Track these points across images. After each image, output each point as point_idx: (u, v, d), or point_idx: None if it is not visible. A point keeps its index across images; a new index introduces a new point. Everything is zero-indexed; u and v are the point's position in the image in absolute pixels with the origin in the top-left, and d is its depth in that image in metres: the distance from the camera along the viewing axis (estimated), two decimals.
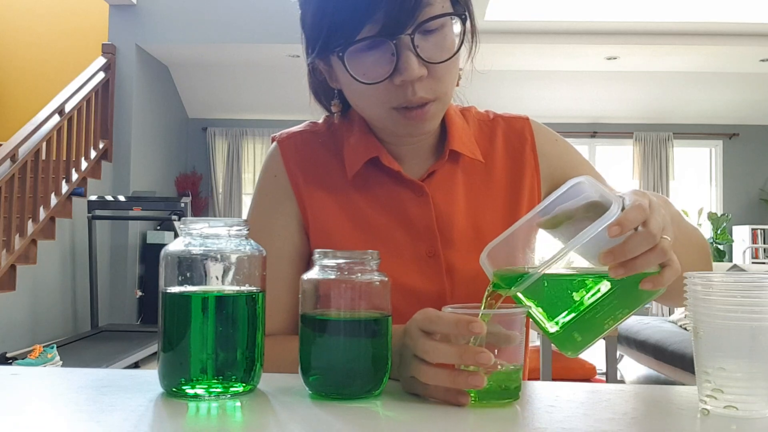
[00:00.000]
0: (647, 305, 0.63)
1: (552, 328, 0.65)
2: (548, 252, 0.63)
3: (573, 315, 0.64)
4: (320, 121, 0.96)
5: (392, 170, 0.87)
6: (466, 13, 0.80)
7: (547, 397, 0.67)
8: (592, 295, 0.64)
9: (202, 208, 7.46)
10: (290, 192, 0.90)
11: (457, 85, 0.86)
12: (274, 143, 0.94)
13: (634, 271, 0.61)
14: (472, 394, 0.60)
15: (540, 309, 0.65)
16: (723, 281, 0.58)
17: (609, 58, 6.42)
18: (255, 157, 7.72)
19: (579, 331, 0.65)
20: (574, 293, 0.65)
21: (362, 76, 0.77)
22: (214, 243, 0.63)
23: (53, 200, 5.09)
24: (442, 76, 0.79)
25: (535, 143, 0.95)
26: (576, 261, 0.66)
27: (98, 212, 5.37)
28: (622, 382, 4.40)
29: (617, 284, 0.63)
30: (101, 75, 5.92)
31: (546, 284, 0.64)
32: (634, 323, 4.81)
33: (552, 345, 3.92)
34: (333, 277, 0.62)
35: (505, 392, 0.61)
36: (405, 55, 0.75)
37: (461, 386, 0.59)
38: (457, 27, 0.80)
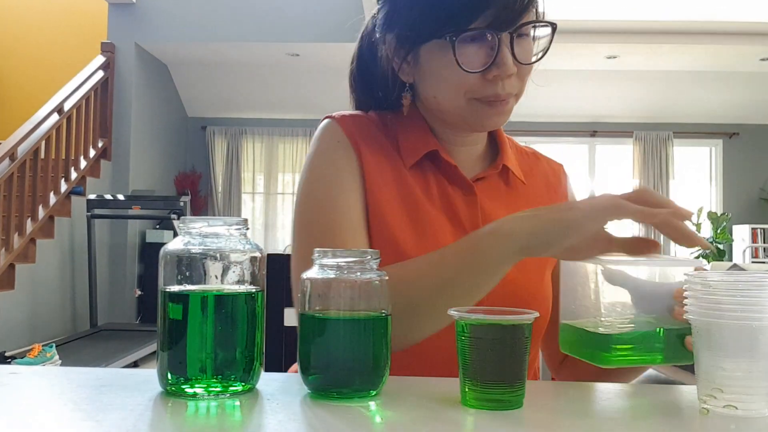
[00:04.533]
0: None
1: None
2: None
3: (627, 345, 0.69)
4: (369, 112, 0.98)
5: (449, 165, 0.92)
6: (556, 24, 0.87)
7: (547, 396, 0.67)
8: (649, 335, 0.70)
9: (201, 207, 7.46)
10: (354, 155, 0.90)
11: None
12: (328, 120, 0.94)
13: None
14: (474, 399, 0.60)
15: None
16: (723, 280, 0.58)
17: (609, 57, 6.42)
18: (254, 155, 7.72)
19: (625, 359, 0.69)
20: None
21: (463, 63, 0.83)
22: (214, 242, 0.62)
23: (52, 199, 5.09)
24: (523, 76, 0.86)
25: (567, 190, 1.03)
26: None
27: (97, 211, 5.37)
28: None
29: (667, 334, 0.69)
30: (100, 73, 5.91)
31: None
32: None
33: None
34: (332, 275, 0.62)
35: (509, 403, 0.60)
36: (503, 52, 0.82)
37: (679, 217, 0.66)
38: (539, 34, 0.87)
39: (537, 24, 0.85)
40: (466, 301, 0.74)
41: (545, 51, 0.87)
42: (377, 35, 0.93)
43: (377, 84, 0.97)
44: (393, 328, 0.65)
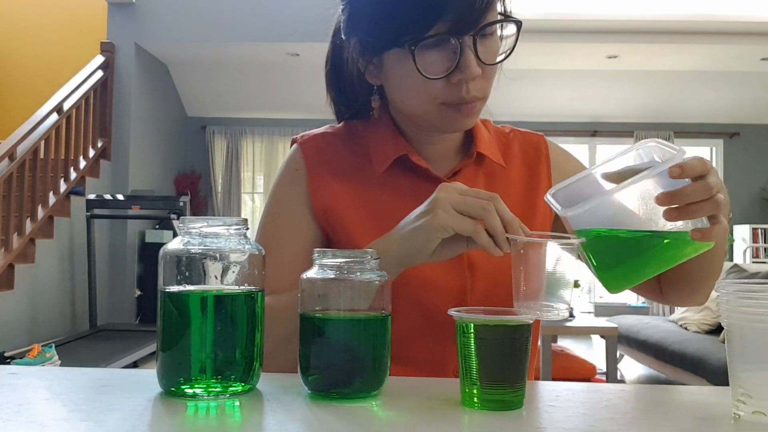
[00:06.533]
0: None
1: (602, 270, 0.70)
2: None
3: (625, 263, 0.69)
4: (338, 125, 0.99)
5: (420, 168, 0.90)
6: (521, 21, 0.85)
7: (546, 396, 0.67)
8: (647, 247, 0.69)
9: (201, 208, 7.46)
10: (305, 184, 0.92)
11: None
12: (295, 145, 0.97)
13: (686, 216, 0.65)
14: (475, 399, 0.59)
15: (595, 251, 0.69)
16: (756, 286, 0.58)
17: (610, 57, 6.42)
18: (254, 156, 7.72)
19: (626, 277, 0.70)
20: (629, 245, 0.69)
21: (424, 71, 0.81)
22: (213, 242, 0.62)
23: (52, 199, 5.09)
24: (489, 77, 0.85)
25: (549, 158, 1.00)
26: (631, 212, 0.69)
27: (97, 211, 5.37)
28: (622, 381, 4.39)
29: (669, 237, 0.68)
30: (100, 73, 5.91)
31: (605, 234, 0.68)
32: (635, 322, 4.80)
33: (552, 344, 3.92)
34: (332, 276, 0.62)
35: (509, 404, 0.60)
36: (466, 55, 0.80)
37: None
38: (506, 32, 0.86)
39: (500, 23, 0.83)
40: None
41: (510, 51, 0.85)
42: (342, 37, 0.91)
43: (348, 86, 0.96)
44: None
